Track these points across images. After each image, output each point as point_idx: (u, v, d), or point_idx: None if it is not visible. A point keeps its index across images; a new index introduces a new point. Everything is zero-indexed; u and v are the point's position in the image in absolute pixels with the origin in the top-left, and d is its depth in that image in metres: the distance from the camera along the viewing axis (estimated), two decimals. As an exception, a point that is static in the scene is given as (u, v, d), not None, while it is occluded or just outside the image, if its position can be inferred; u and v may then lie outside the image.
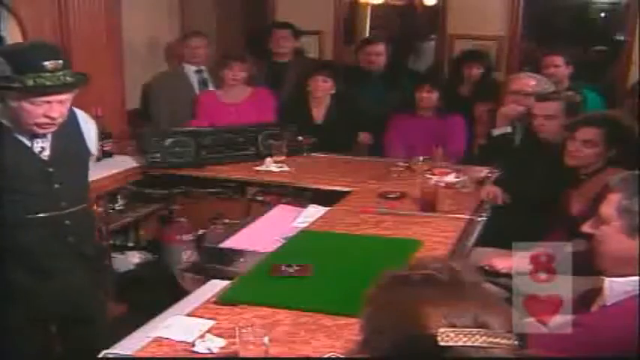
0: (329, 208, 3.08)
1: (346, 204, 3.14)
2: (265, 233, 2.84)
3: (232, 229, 2.97)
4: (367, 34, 5.93)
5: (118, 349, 1.84)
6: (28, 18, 3.48)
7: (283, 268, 2.28)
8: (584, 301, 1.91)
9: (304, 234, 2.74)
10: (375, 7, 5.98)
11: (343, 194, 3.29)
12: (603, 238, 1.74)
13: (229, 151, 3.85)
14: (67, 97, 2.17)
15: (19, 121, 2.16)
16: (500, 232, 2.89)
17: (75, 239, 2.36)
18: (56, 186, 2.28)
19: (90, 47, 3.78)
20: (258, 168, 3.73)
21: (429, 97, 4.04)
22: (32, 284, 2.28)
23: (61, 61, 2.13)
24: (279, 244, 2.62)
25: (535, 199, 3.03)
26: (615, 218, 1.70)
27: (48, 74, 2.08)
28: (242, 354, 1.71)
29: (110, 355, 1.81)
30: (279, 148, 3.85)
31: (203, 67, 4.51)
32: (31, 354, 2.34)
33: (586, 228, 1.81)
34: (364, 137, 4.32)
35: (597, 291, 1.80)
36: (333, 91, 4.18)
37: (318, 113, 4.24)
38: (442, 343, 0.91)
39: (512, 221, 3.01)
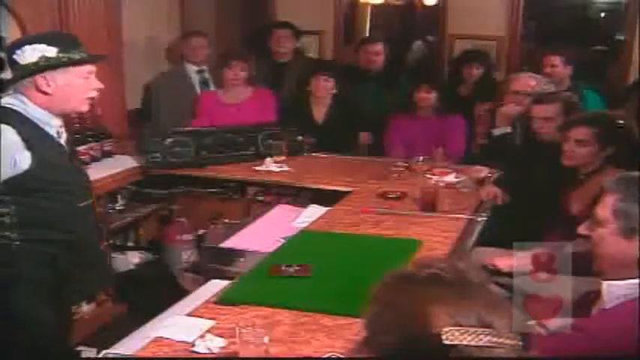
0: (329, 208, 3.08)
1: (346, 204, 3.14)
2: (265, 233, 2.84)
3: (232, 229, 2.97)
4: (367, 34, 5.93)
5: (118, 349, 1.84)
6: (28, 18, 3.48)
7: (283, 268, 2.28)
8: (584, 303, 1.91)
9: (304, 234, 2.74)
10: (375, 7, 5.99)
11: (343, 194, 3.29)
12: (600, 241, 1.73)
13: (229, 151, 3.85)
14: (95, 69, 2.32)
15: (66, 100, 2.24)
16: (500, 232, 2.90)
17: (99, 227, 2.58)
18: (83, 176, 2.45)
19: (90, 47, 3.76)
20: (258, 168, 3.72)
21: (427, 97, 4.04)
22: (81, 270, 2.39)
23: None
24: (279, 244, 2.62)
25: (535, 199, 3.03)
26: (611, 220, 1.69)
27: (83, 49, 2.26)
28: (242, 354, 1.71)
29: (110, 355, 1.81)
30: (279, 148, 3.84)
31: (204, 67, 4.51)
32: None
33: (582, 230, 1.80)
34: (364, 137, 4.32)
35: (597, 294, 1.80)
36: (334, 91, 4.18)
37: (319, 113, 4.23)
38: (447, 342, 0.91)
39: (512, 221, 3.01)
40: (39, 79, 2.18)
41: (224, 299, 2.08)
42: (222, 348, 1.79)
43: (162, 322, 1.94)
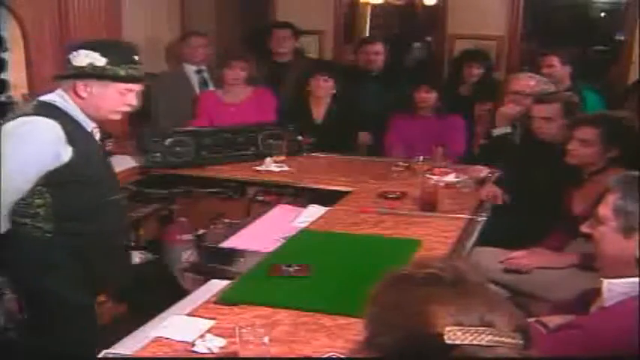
0: (329, 208, 3.08)
1: (346, 204, 3.14)
2: (265, 233, 2.84)
3: (232, 229, 2.97)
4: (367, 34, 5.93)
5: (118, 348, 1.84)
6: (28, 18, 3.48)
7: (283, 267, 2.28)
8: (583, 301, 1.91)
9: (304, 234, 2.74)
10: (375, 7, 5.98)
11: (343, 194, 3.29)
12: (600, 239, 1.74)
13: (229, 151, 3.85)
14: (140, 87, 2.43)
15: (97, 108, 2.33)
16: (501, 232, 2.91)
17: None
18: (113, 171, 2.56)
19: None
20: (258, 168, 3.73)
21: (427, 97, 4.04)
22: (108, 261, 2.46)
23: (138, 57, 2.40)
24: (279, 244, 2.62)
25: (535, 199, 3.03)
26: (611, 218, 1.70)
27: (135, 66, 2.35)
28: (242, 354, 1.71)
29: (110, 355, 1.81)
30: (279, 148, 3.85)
31: (203, 67, 4.51)
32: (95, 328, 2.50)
33: (584, 228, 1.81)
34: (364, 137, 4.32)
35: (596, 292, 1.80)
36: (333, 91, 4.18)
37: (319, 113, 4.24)
38: (449, 342, 0.91)
39: (512, 221, 3.01)
40: (78, 83, 2.30)
41: (224, 299, 2.08)
42: (222, 348, 1.79)
43: (162, 322, 1.94)
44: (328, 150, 4.05)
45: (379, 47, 4.56)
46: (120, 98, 2.34)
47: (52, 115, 2.26)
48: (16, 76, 3.52)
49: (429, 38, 6.06)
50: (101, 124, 2.44)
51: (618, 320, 1.62)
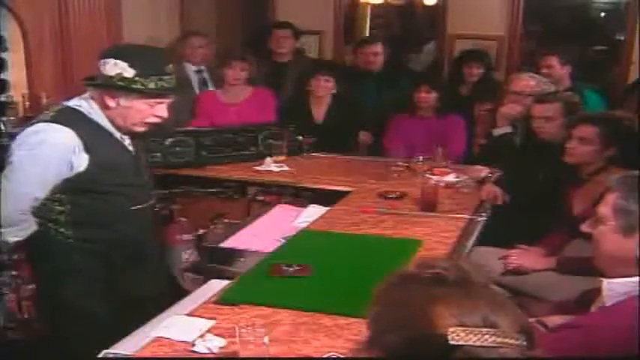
0: (329, 208, 3.08)
1: (346, 204, 3.14)
2: (265, 233, 2.84)
3: (232, 229, 2.96)
4: (367, 34, 5.93)
5: (118, 349, 1.84)
6: (28, 18, 3.49)
7: (283, 267, 2.28)
8: (584, 301, 1.91)
9: (304, 234, 2.74)
10: (375, 7, 5.98)
11: (343, 194, 3.29)
12: (600, 238, 1.75)
13: (229, 151, 3.85)
14: (171, 99, 2.36)
15: (124, 119, 2.29)
16: (500, 232, 2.91)
17: (158, 226, 2.64)
18: (144, 177, 2.48)
19: (90, 47, 3.78)
20: (258, 168, 3.73)
21: (427, 97, 4.04)
22: (134, 269, 2.43)
23: (171, 65, 2.32)
24: (279, 244, 2.62)
25: (535, 199, 3.03)
26: (611, 218, 1.70)
27: (167, 77, 2.27)
28: (242, 354, 1.71)
29: (110, 355, 1.80)
30: (279, 148, 3.85)
31: (203, 67, 4.51)
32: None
33: (584, 228, 1.81)
34: (364, 137, 4.32)
35: (596, 292, 1.80)
36: (333, 91, 4.18)
37: (319, 113, 4.24)
38: (452, 342, 0.91)
39: (512, 221, 3.01)
40: (106, 93, 2.25)
41: (224, 299, 2.08)
42: (222, 348, 1.79)
43: (162, 322, 1.94)
44: (328, 150, 4.05)
45: (378, 48, 4.56)
46: (148, 110, 2.28)
47: (70, 122, 2.21)
48: (16, 76, 3.53)
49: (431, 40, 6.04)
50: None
51: (618, 320, 1.62)
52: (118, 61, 2.21)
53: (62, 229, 2.30)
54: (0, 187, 2.23)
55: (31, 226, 2.29)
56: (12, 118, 3.54)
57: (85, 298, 2.34)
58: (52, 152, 2.20)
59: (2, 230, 2.27)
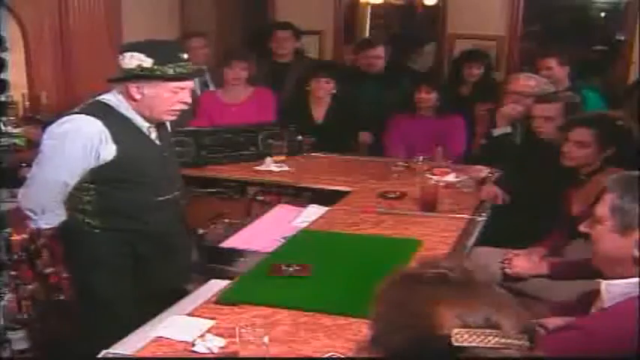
0: (329, 208, 3.08)
1: (346, 204, 3.14)
2: (265, 233, 2.84)
3: (232, 229, 2.96)
4: (367, 34, 5.93)
5: (118, 349, 1.84)
6: (28, 18, 3.49)
7: (283, 267, 2.28)
8: (583, 303, 1.91)
9: (304, 234, 2.74)
10: (375, 7, 5.98)
11: (343, 194, 3.29)
12: (598, 238, 1.75)
13: (229, 151, 3.85)
14: (192, 85, 2.44)
15: (150, 109, 2.36)
16: (500, 232, 2.91)
17: (184, 219, 2.70)
18: (170, 169, 2.53)
19: (90, 47, 3.79)
20: (258, 168, 3.73)
21: (427, 97, 4.04)
22: (161, 261, 2.49)
23: (187, 54, 2.40)
24: (279, 244, 2.62)
25: (535, 199, 3.03)
26: (608, 217, 1.71)
27: (183, 63, 2.34)
28: (242, 354, 1.71)
29: (110, 355, 1.80)
30: (279, 148, 3.85)
31: (203, 68, 4.50)
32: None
33: (582, 228, 1.82)
34: (364, 137, 4.32)
35: (596, 293, 1.80)
36: (333, 91, 4.18)
37: (319, 113, 4.24)
38: (456, 344, 0.91)
39: (512, 221, 3.01)
40: (130, 85, 2.32)
41: (224, 299, 2.08)
42: (222, 348, 1.79)
43: (162, 322, 1.94)
44: (328, 150, 4.05)
45: (380, 51, 4.54)
46: (172, 97, 2.35)
47: (99, 114, 2.30)
48: (16, 76, 3.53)
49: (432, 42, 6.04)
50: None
51: (618, 321, 1.63)
52: (134, 54, 2.30)
53: (89, 220, 2.38)
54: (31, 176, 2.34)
55: (61, 215, 2.38)
56: (12, 118, 3.55)
57: (111, 289, 2.41)
58: (78, 140, 2.27)
59: (35, 217, 2.38)
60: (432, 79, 4.47)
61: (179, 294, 2.34)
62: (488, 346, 0.91)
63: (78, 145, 2.27)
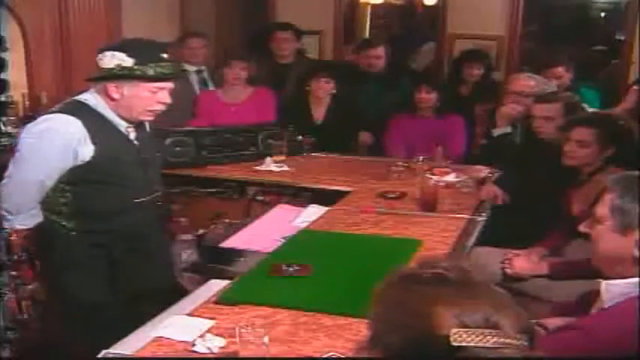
0: (329, 208, 3.08)
1: (346, 204, 3.14)
2: (265, 233, 2.84)
3: (232, 229, 2.96)
4: (367, 34, 5.93)
5: (118, 348, 1.84)
6: (28, 18, 3.49)
7: (283, 267, 2.28)
8: (583, 303, 1.91)
9: (304, 234, 2.74)
10: (375, 7, 5.99)
11: (343, 194, 3.29)
12: (598, 238, 1.75)
13: (229, 151, 3.85)
14: (172, 85, 2.40)
15: (129, 109, 2.33)
16: (500, 232, 2.91)
17: (163, 220, 2.68)
18: (149, 170, 2.49)
19: (90, 47, 3.77)
20: (258, 168, 3.73)
21: (427, 97, 4.04)
22: (138, 264, 2.45)
23: (168, 55, 2.39)
24: (279, 244, 2.62)
25: (535, 199, 3.03)
26: (608, 217, 1.71)
27: (164, 64, 2.32)
28: (242, 354, 1.71)
29: (110, 355, 1.80)
30: (279, 148, 3.85)
31: (203, 67, 4.51)
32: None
33: (582, 228, 1.81)
34: (364, 137, 4.32)
35: (596, 293, 1.80)
36: (333, 91, 4.18)
37: (319, 113, 4.24)
38: (455, 344, 0.91)
39: (512, 221, 3.01)
40: (109, 85, 2.30)
41: (224, 299, 2.08)
42: (222, 348, 1.79)
43: (162, 322, 1.94)
44: (328, 150, 4.05)
45: (380, 51, 4.54)
46: (151, 97, 2.33)
47: (77, 113, 2.28)
48: (16, 76, 3.53)
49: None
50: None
51: (618, 321, 1.62)
52: (115, 53, 2.27)
53: (64, 222, 2.35)
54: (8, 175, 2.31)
55: (37, 216, 2.34)
56: (12, 118, 3.55)
57: (87, 292, 2.37)
58: (57, 139, 2.25)
59: (10, 217, 2.35)
60: (432, 79, 4.47)
61: (165, 294, 2.34)
62: (488, 346, 0.92)
63: (56, 144, 2.25)
